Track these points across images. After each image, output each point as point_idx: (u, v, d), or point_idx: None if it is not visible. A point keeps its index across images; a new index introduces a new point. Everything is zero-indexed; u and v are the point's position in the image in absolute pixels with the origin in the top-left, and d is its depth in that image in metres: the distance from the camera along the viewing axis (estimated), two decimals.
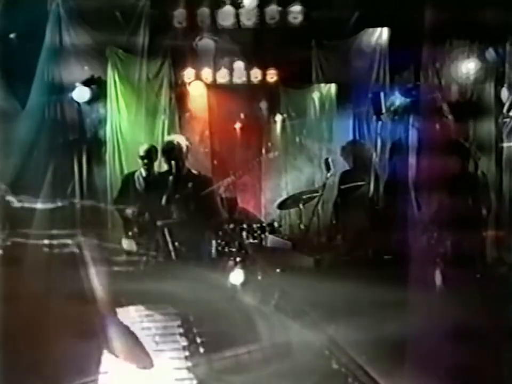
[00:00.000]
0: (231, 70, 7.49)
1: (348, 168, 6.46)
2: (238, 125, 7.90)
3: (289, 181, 7.72)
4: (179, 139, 5.95)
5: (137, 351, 1.85)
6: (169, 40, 7.08)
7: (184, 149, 5.71)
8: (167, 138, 7.00)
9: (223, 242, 5.76)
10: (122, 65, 7.14)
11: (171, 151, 5.63)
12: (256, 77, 7.53)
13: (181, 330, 3.39)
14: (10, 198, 5.49)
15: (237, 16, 6.86)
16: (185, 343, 3.20)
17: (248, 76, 7.53)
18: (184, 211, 5.28)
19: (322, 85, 7.75)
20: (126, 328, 1.77)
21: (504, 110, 6.45)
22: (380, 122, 7.36)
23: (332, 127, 7.76)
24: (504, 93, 6.47)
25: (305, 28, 6.90)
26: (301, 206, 6.18)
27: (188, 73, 7.50)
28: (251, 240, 5.85)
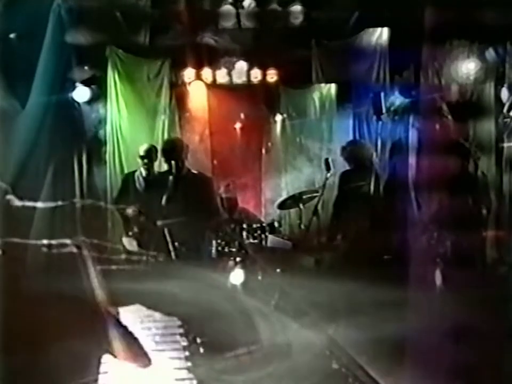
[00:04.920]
0: (231, 70, 7.49)
1: (348, 168, 6.46)
2: (238, 125, 7.91)
3: (289, 181, 7.72)
4: (176, 139, 5.94)
5: (136, 350, 1.84)
6: (169, 40, 7.08)
7: (184, 148, 5.72)
8: (167, 138, 7.03)
9: (223, 242, 5.76)
10: (122, 65, 7.15)
11: (171, 151, 5.63)
12: (256, 77, 7.54)
13: (181, 330, 3.38)
14: (10, 197, 5.50)
15: (237, 16, 6.85)
16: (185, 343, 3.20)
17: (248, 75, 7.53)
18: (184, 211, 5.28)
19: (322, 85, 7.76)
20: (125, 328, 1.76)
21: (504, 110, 6.45)
22: (379, 122, 7.37)
23: (332, 127, 7.77)
24: (504, 93, 6.46)
25: (305, 27, 6.89)
26: (301, 206, 6.18)
27: (188, 73, 7.51)
28: (251, 240, 5.86)
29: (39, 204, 6.14)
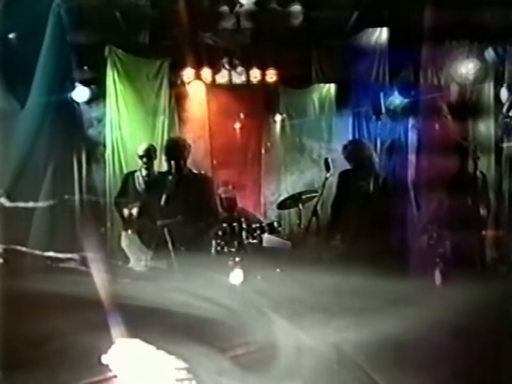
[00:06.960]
0: (230, 70, 7.49)
1: (347, 168, 6.45)
2: (237, 125, 7.90)
3: (288, 181, 7.72)
4: (179, 139, 5.92)
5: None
6: (168, 40, 7.08)
7: (187, 148, 5.72)
8: (168, 138, 7.02)
9: (223, 242, 5.75)
10: (121, 65, 7.14)
11: (173, 150, 5.63)
12: (256, 77, 7.54)
13: (181, 330, 3.38)
14: (4, 200, 5.51)
15: (237, 16, 6.85)
16: (185, 343, 3.20)
17: (248, 76, 7.53)
18: (184, 211, 5.28)
19: (322, 85, 7.76)
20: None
21: (504, 110, 6.46)
22: (379, 122, 7.37)
23: (331, 127, 7.77)
24: (504, 93, 6.47)
25: (305, 27, 6.89)
26: (300, 206, 6.17)
27: (188, 73, 7.50)
28: (251, 240, 5.85)
29: (39, 204, 6.16)
